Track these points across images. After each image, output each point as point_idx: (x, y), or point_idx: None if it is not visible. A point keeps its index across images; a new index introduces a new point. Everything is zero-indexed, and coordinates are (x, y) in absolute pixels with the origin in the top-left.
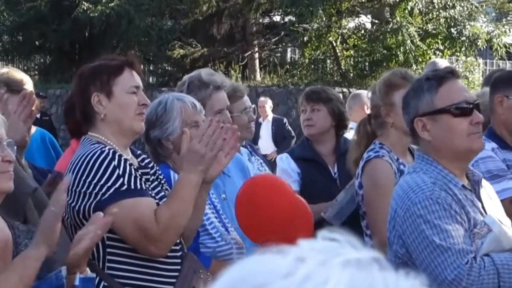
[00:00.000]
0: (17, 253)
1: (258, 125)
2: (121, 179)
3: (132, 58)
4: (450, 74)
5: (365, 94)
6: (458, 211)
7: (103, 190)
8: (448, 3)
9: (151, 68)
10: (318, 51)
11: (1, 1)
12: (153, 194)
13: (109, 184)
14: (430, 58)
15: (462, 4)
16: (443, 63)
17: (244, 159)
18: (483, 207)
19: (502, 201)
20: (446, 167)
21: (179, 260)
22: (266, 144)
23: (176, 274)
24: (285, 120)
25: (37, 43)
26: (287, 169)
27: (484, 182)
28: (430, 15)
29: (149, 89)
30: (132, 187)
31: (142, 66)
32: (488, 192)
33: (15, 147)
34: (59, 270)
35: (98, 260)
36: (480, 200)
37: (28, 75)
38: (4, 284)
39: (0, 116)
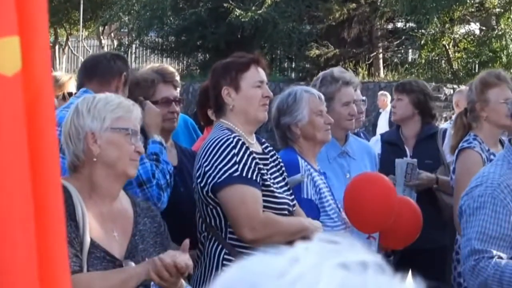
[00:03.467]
0: (136, 232)
1: (378, 115)
2: (236, 166)
3: (258, 56)
4: None
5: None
6: None
7: (220, 173)
8: None
9: (292, 65)
10: (433, 53)
11: (168, 7)
12: (270, 178)
13: (225, 168)
14: None
15: None
16: None
17: (373, 146)
18: None
19: None
20: None
21: None
22: (383, 131)
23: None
24: None
25: (198, 43)
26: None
27: None
28: None
29: (290, 83)
30: (244, 175)
31: (285, 64)
32: None
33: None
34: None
35: (221, 231)
36: None
37: (190, 69)
38: (104, 282)
39: (138, 112)
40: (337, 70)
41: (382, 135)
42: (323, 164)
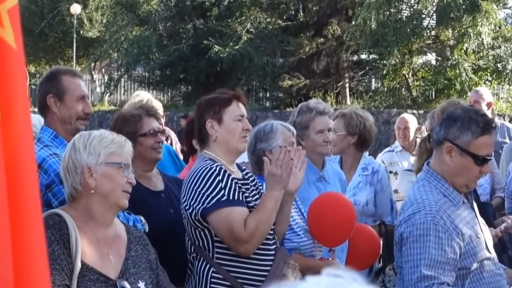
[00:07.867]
0: (128, 256)
1: None
2: (223, 191)
3: (239, 92)
4: (493, 128)
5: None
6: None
7: (208, 199)
8: (495, 44)
9: (267, 95)
10: (394, 82)
11: (153, 44)
12: (252, 200)
13: (213, 194)
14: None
15: (506, 45)
16: (484, 92)
17: (342, 173)
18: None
19: None
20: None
21: (273, 252)
22: None
23: (270, 263)
24: None
25: (181, 76)
26: None
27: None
28: (481, 53)
29: (265, 111)
30: (230, 198)
31: (261, 94)
32: None
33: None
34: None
35: (208, 251)
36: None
37: (174, 100)
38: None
39: (129, 145)
40: (313, 102)
41: None
42: (303, 187)
